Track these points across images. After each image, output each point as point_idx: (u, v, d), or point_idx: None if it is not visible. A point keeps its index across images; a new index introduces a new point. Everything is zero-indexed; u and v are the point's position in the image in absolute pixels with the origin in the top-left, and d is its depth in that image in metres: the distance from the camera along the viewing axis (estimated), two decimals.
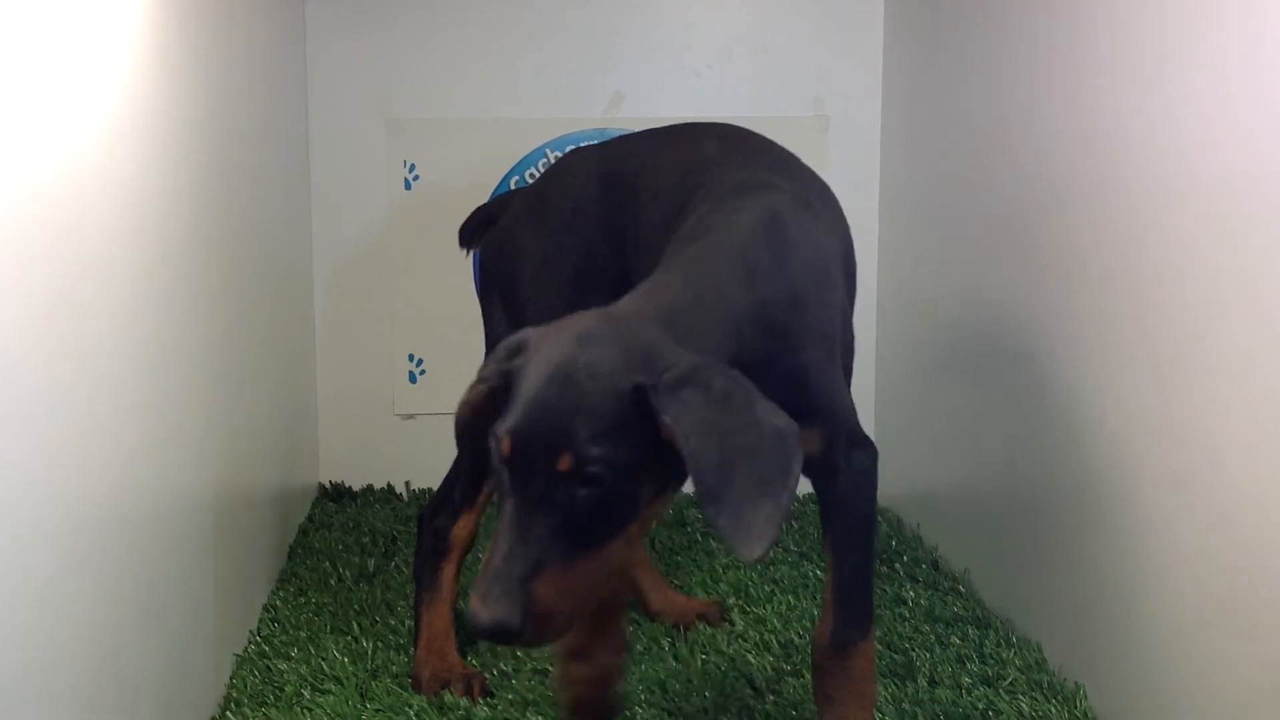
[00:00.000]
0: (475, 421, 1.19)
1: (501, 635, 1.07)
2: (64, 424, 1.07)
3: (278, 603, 1.86)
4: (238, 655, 1.66)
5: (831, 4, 2.44)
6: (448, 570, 1.65)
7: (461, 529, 1.66)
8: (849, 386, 1.45)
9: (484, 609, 1.06)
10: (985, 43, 1.92)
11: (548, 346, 1.14)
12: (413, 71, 2.40)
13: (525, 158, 2.38)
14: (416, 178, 2.40)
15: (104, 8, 1.20)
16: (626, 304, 1.23)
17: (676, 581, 1.96)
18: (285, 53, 2.22)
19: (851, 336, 1.52)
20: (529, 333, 1.18)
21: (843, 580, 1.39)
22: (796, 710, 1.51)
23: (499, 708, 1.52)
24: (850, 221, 2.41)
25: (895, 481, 2.38)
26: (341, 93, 2.39)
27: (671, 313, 1.20)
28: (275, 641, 1.71)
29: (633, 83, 2.42)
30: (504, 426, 1.11)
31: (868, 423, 2.46)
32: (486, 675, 1.62)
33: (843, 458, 1.38)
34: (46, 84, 1.04)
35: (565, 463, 1.07)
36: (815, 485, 1.41)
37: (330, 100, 2.38)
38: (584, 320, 1.16)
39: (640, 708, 1.51)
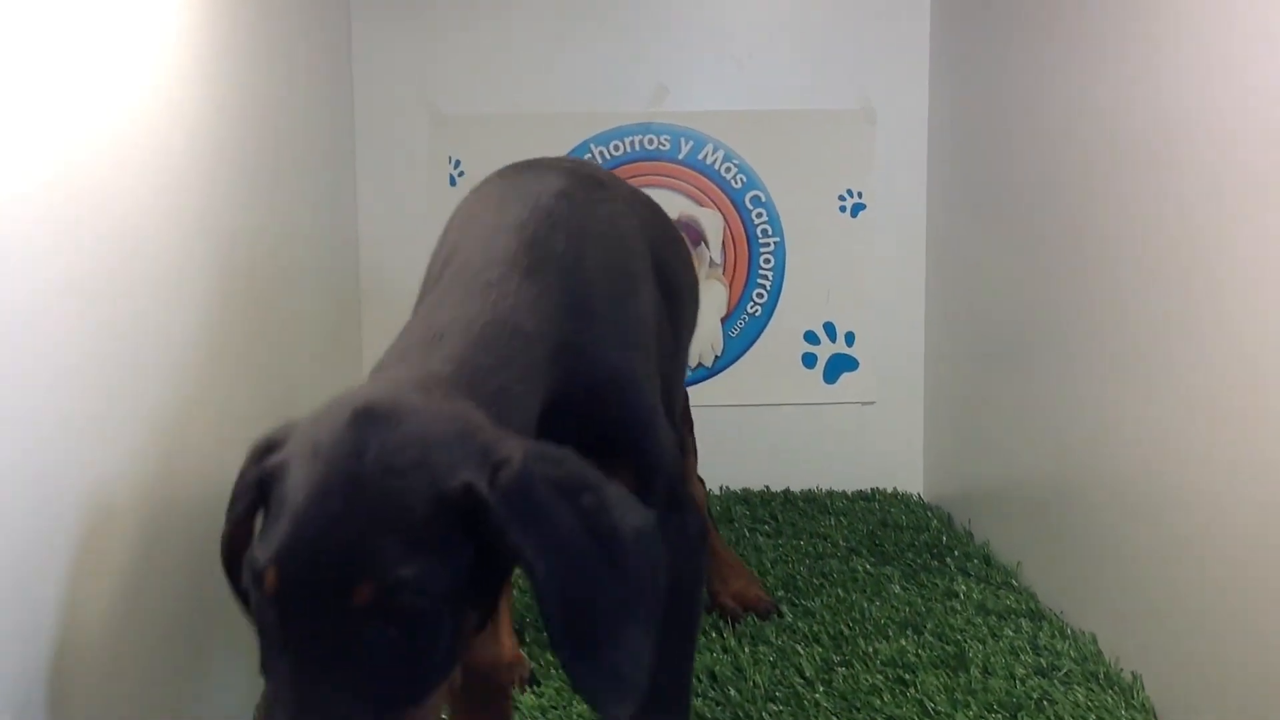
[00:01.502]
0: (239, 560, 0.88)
1: None
2: (110, 418, 1.07)
3: None
4: None
5: None
6: None
7: None
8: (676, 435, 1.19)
9: None
10: (1034, 33, 1.90)
11: (315, 434, 0.85)
12: (457, 67, 2.40)
13: (570, 152, 2.38)
14: (461, 173, 2.40)
15: (149, 3, 1.21)
16: (407, 365, 0.95)
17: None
18: (331, 48, 2.23)
19: (680, 373, 1.27)
20: (287, 424, 0.91)
21: (654, 692, 1.09)
22: (847, 700, 1.48)
23: (546, 695, 1.51)
24: (896, 215, 2.44)
25: (945, 478, 2.36)
26: (386, 89, 2.39)
27: (467, 368, 0.95)
28: None
29: (676, 76, 2.41)
30: (265, 554, 0.81)
31: (917, 419, 2.46)
32: (534, 665, 1.60)
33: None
34: (92, 79, 1.04)
35: (365, 594, 0.78)
36: None
37: (375, 96, 2.39)
38: (363, 394, 0.87)
39: None
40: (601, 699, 0.85)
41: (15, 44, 0.90)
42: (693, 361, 2.47)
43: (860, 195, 2.46)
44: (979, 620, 1.73)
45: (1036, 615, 1.75)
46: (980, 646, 1.63)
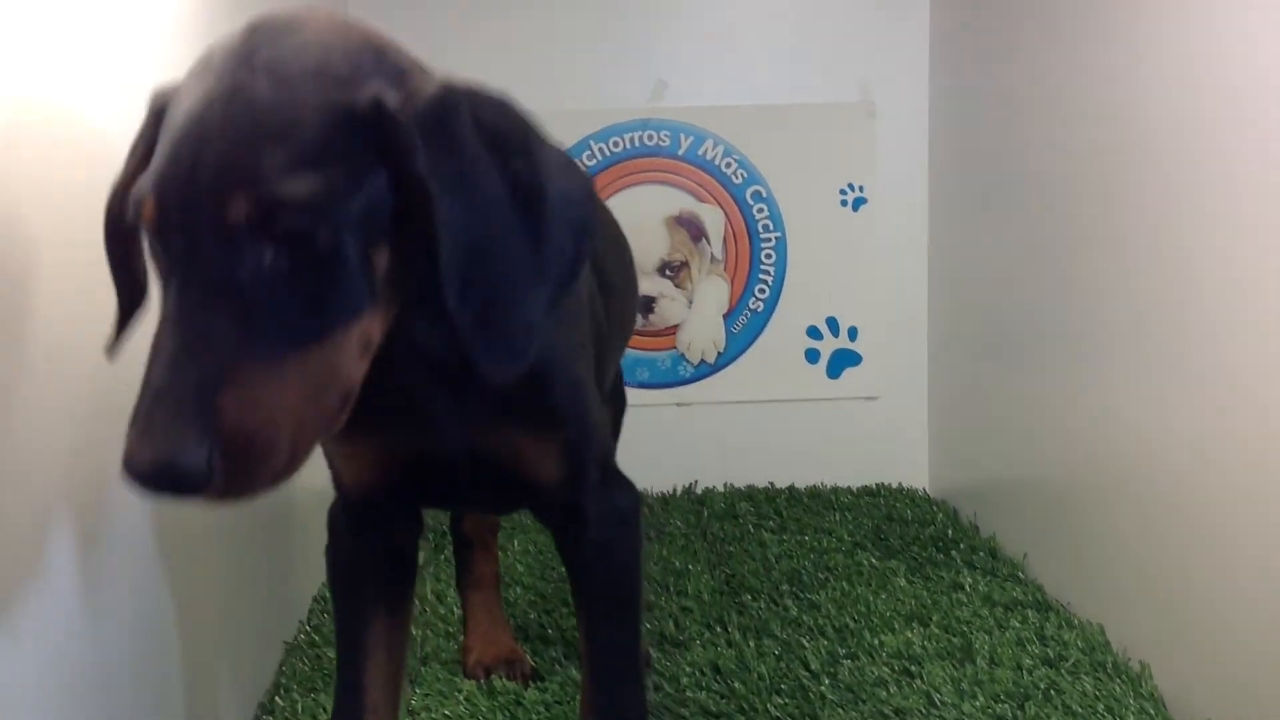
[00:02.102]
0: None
1: (172, 480, 0.69)
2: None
3: (328, 594, 1.84)
4: (288, 643, 1.66)
5: None
6: (479, 557, 1.62)
7: (469, 525, 1.61)
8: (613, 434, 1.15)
9: (140, 446, 0.69)
10: (1034, 24, 1.89)
11: (208, 53, 0.79)
12: (455, 64, 2.37)
13: (570, 149, 2.37)
14: None
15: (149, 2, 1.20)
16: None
17: (727, 571, 1.93)
18: None
19: (612, 358, 1.24)
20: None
21: (603, 677, 1.10)
22: (853, 692, 1.47)
23: (550, 690, 1.50)
24: (898, 208, 2.43)
25: (950, 472, 2.35)
26: None
27: None
28: (325, 630, 1.69)
29: (676, 71, 2.40)
30: (144, 184, 0.75)
31: (921, 413, 2.45)
32: (537, 660, 1.59)
33: (593, 500, 1.06)
34: (91, 77, 1.04)
35: (240, 208, 0.71)
36: (556, 539, 1.12)
37: None
38: (261, 19, 0.80)
39: (690, 690, 1.48)
40: (482, 359, 0.79)
41: (14, 43, 0.89)
42: (695, 358, 2.46)
43: (862, 189, 2.45)
44: (985, 612, 1.72)
45: (1043, 606, 1.74)
46: (987, 638, 1.62)
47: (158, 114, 0.80)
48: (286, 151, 0.72)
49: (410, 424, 0.99)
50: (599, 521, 1.07)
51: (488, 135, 0.80)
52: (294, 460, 0.75)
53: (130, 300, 0.90)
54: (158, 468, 0.68)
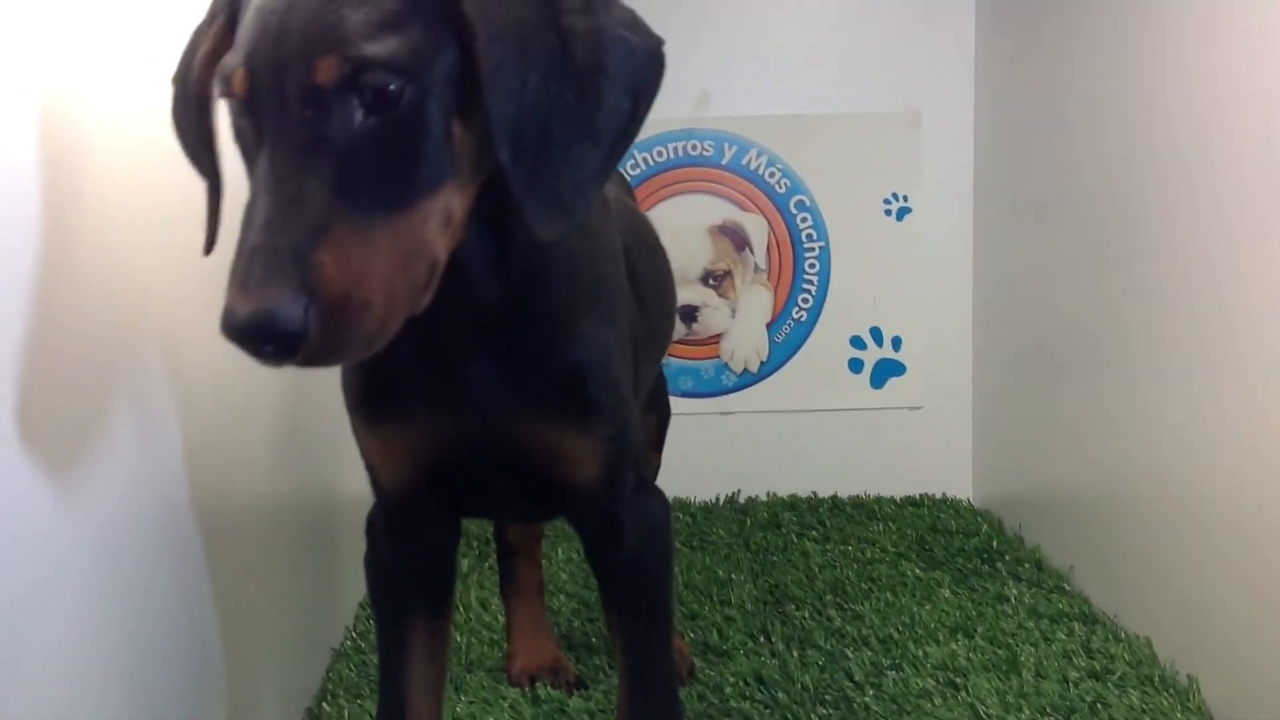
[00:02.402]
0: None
1: (271, 334, 0.70)
2: (185, 435, 1.08)
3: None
4: (334, 649, 1.67)
5: None
6: (522, 565, 1.62)
7: (514, 533, 1.62)
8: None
9: (239, 300, 0.70)
10: (1079, 36, 1.88)
11: None
12: None
13: None
14: None
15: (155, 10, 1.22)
16: None
17: (770, 581, 1.93)
18: None
19: (661, 386, 1.29)
20: None
21: (641, 686, 1.10)
22: (897, 703, 1.47)
23: (594, 698, 1.51)
24: (944, 219, 2.42)
25: (995, 483, 2.34)
26: None
27: None
28: (370, 637, 1.70)
29: (721, 81, 2.41)
30: (234, 59, 0.78)
31: (965, 424, 2.43)
32: (581, 668, 1.60)
33: (627, 508, 1.06)
34: (110, 86, 1.06)
35: (329, 70, 0.75)
36: (587, 546, 1.12)
37: None
38: None
39: (734, 700, 1.48)
40: (532, 217, 0.80)
41: (31, 57, 0.91)
42: (739, 367, 2.46)
43: (906, 199, 2.44)
44: (1031, 624, 1.71)
45: (1090, 619, 1.73)
46: (1033, 650, 1.61)
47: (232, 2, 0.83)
48: (369, 14, 0.75)
49: (448, 400, 0.99)
50: (634, 531, 1.07)
51: None
52: (385, 326, 0.76)
53: (217, 186, 0.91)
54: (257, 320, 0.70)
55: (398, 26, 0.76)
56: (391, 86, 0.75)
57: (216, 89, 0.80)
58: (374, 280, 0.74)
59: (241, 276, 0.71)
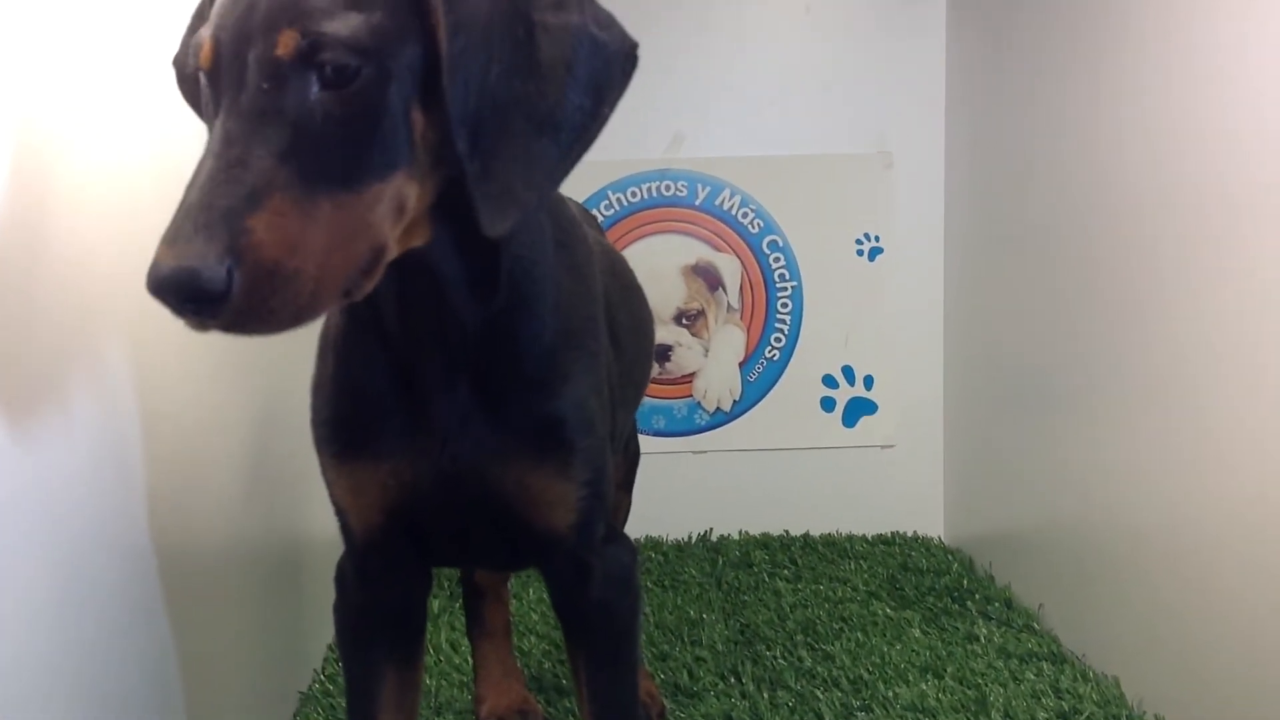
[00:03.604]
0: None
1: (191, 292, 0.70)
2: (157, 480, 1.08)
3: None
4: (302, 693, 1.66)
5: (893, 40, 2.43)
6: (490, 606, 1.61)
7: (481, 574, 1.60)
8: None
9: (165, 254, 0.70)
10: (1047, 79, 1.90)
11: None
12: None
13: (587, 200, 2.39)
14: None
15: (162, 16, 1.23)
16: None
17: (741, 620, 1.93)
18: None
19: (630, 432, 1.32)
20: None
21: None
22: None
23: None
24: (914, 258, 2.44)
25: (966, 521, 2.35)
26: None
27: None
28: (339, 679, 1.69)
29: (694, 122, 2.42)
30: (202, 31, 0.80)
31: (937, 462, 2.44)
32: (551, 711, 1.60)
33: (597, 555, 1.06)
34: (123, 100, 1.06)
35: (287, 43, 0.76)
36: (555, 593, 1.11)
37: None
38: None
39: None
40: (482, 208, 0.80)
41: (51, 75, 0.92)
42: (711, 406, 2.47)
43: (878, 239, 2.46)
44: (1000, 664, 1.71)
45: (1058, 659, 1.73)
46: (1001, 690, 1.61)
47: None
48: None
49: (421, 436, 0.98)
50: (603, 577, 1.07)
51: None
52: (315, 302, 0.75)
53: None
54: (178, 275, 0.69)
55: (362, 6, 0.77)
56: (350, 64, 0.76)
57: (188, 58, 0.82)
58: (308, 253, 0.74)
59: (172, 233, 0.71)
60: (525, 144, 0.80)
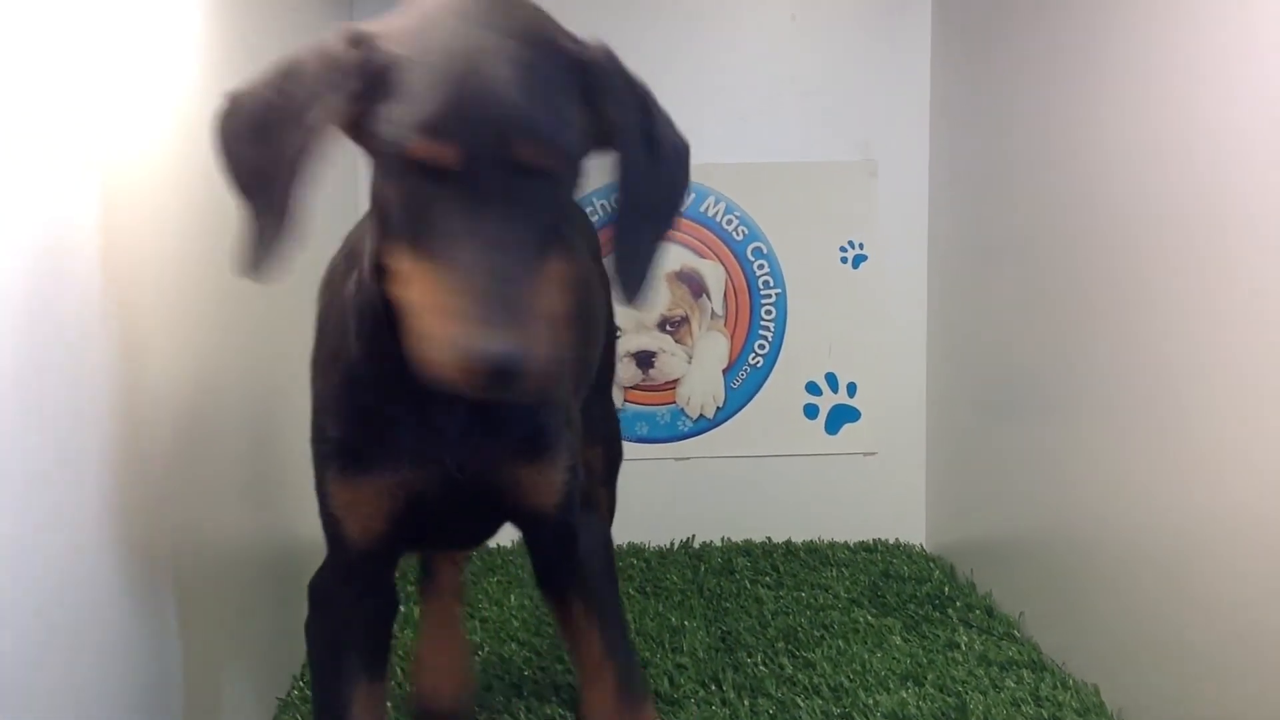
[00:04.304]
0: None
1: (514, 374, 0.82)
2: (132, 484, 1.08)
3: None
4: (280, 699, 1.65)
5: (878, 48, 2.43)
6: (443, 567, 1.63)
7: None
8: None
9: (490, 336, 0.81)
10: (1033, 86, 1.91)
11: (427, 17, 0.90)
12: None
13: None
14: None
15: (161, 17, 1.23)
16: None
17: (723, 628, 1.93)
18: None
19: (612, 424, 1.52)
20: (366, 25, 0.91)
21: (616, 641, 1.20)
22: None
23: None
24: (899, 265, 2.44)
25: (947, 529, 2.35)
26: None
27: None
28: None
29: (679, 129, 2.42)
30: (428, 122, 0.86)
31: (919, 470, 2.45)
32: (531, 718, 1.59)
33: (576, 520, 1.18)
34: (113, 92, 1.06)
35: (529, 152, 0.86)
36: (543, 555, 1.21)
37: None
38: None
39: None
40: (631, 287, 0.96)
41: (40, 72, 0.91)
42: (695, 413, 2.47)
43: (862, 246, 2.46)
44: (981, 671, 1.72)
45: (1039, 666, 1.74)
46: (982, 698, 1.62)
47: (377, 55, 0.89)
48: (552, 104, 0.88)
49: (426, 451, 1.06)
50: (586, 536, 1.18)
51: (639, 89, 0.97)
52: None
53: (278, 221, 0.93)
54: (508, 358, 0.81)
55: (575, 122, 0.90)
56: (559, 165, 0.89)
57: (394, 148, 0.86)
58: (554, 319, 0.87)
59: (482, 314, 0.81)
60: (650, 237, 0.97)
